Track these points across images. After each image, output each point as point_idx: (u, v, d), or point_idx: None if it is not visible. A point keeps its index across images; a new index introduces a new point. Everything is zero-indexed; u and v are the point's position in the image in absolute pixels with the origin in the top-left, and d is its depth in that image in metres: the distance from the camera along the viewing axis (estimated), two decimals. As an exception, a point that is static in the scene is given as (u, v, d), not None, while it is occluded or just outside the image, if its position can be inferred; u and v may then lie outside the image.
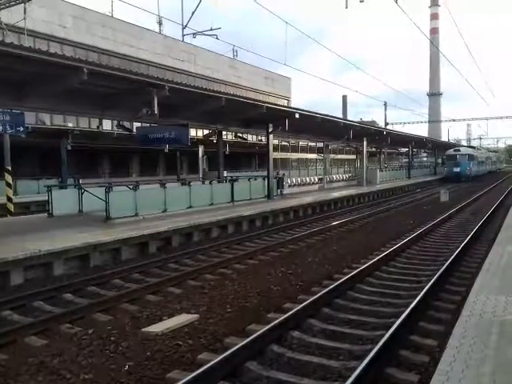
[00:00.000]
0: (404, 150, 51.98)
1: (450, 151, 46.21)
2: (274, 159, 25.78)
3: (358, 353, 5.23)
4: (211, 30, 28.69)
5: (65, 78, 11.55)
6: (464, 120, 69.83)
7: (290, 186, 24.75)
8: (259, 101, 18.67)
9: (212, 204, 16.97)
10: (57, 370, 4.98)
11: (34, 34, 26.04)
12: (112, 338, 5.83)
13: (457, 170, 42.57)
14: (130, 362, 5.17)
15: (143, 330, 6.11)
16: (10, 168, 15.96)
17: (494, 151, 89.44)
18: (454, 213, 17.91)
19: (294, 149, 44.98)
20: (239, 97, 17.15)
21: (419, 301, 6.49)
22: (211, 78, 40.98)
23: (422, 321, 6.18)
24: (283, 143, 42.36)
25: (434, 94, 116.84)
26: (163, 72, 33.10)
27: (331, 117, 23.39)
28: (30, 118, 20.90)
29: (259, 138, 38.51)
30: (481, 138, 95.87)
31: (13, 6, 18.22)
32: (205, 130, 26.06)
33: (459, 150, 45.77)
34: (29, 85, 12.01)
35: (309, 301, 6.70)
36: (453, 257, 9.38)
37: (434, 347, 5.32)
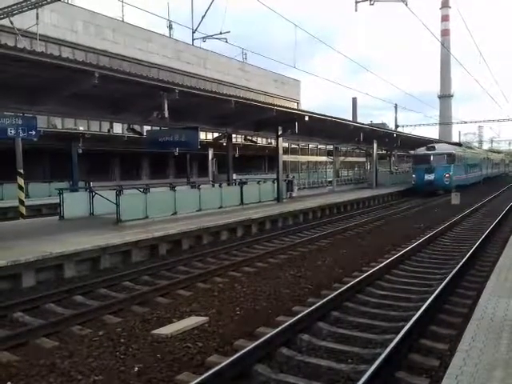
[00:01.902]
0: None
1: (420, 150, 30.89)
2: (284, 162, 25.78)
3: (368, 356, 5.21)
4: (221, 33, 28.80)
5: (76, 82, 11.68)
6: (475, 122, 69.28)
7: (299, 188, 24.73)
8: (269, 104, 18.70)
9: (221, 207, 17.02)
10: (68, 372, 5.01)
11: (45, 39, 26.36)
12: (122, 340, 5.87)
13: (429, 177, 28.48)
14: (140, 363, 5.20)
15: (153, 332, 6.14)
16: (22, 171, 16.12)
17: (497, 151, 78.32)
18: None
19: (304, 151, 44.86)
20: (249, 100, 17.18)
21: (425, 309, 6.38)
22: (221, 82, 41.08)
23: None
24: (293, 146, 42.32)
25: (445, 96, 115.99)
26: (173, 75, 33.25)
27: (341, 119, 23.34)
28: (41, 122, 21.12)
29: (269, 140, 38.50)
30: (492, 141, 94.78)
31: (25, 11, 18.41)
32: (214, 133, 26.12)
33: (433, 148, 30.09)
34: (41, 89, 12.15)
35: (318, 304, 6.69)
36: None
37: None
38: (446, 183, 28.73)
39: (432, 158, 29.30)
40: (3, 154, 20.22)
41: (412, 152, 33.59)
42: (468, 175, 34.39)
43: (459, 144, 42.43)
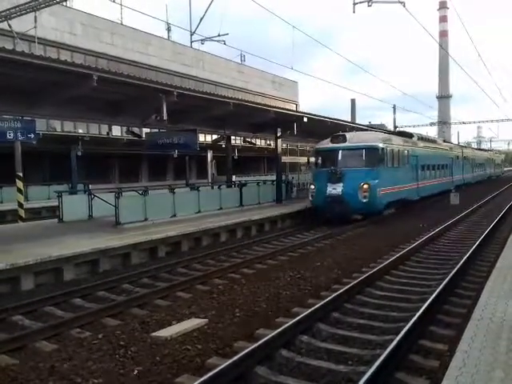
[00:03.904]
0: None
1: (324, 143, 18.31)
2: (283, 163, 25.77)
3: (367, 357, 5.21)
4: (219, 35, 28.85)
5: (75, 85, 11.69)
6: (474, 122, 69.21)
7: (299, 189, 24.71)
8: (267, 105, 18.72)
9: (221, 208, 17.02)
10: (67, 375, 5.00)
11: (44, 42, 26.37)
12: (121, 343, 5.86)
13: (334, 190, 16.40)
14: (140, 366, 5.19)
15: (152, 334, 6.13)
16: (21, 174, 16.12)
17: (483, 149, 67.34)
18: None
19: (303, 152, 44.96)
20: (247, 101, 17.20)
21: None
22: (219, 83, 41.12)
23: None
24: (292, 147, 42.36)
25: (444, 97, 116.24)
26: (172, 78, 33.31)
27: (339, 120, 23.33)
28: (40, 125, 21.11)
29: (268, 142, 38.54)
30: (491, 141, 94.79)
31: (23, 14, 18.43)
32: (213, 135, 26.15)
33: (343, 139, 17.28)
34: (40, 92, 12.16)
35: (318, 305, 6.69)
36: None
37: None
38: (364, 201, 15.90)
39: (340, 155, 16.71)
40: (2, 157, 20.22)
41: (316, 146, 19.27)
42: (414, 185, 20.75)
43: (400, 133, 24.89)
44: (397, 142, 19.25)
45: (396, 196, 18.31)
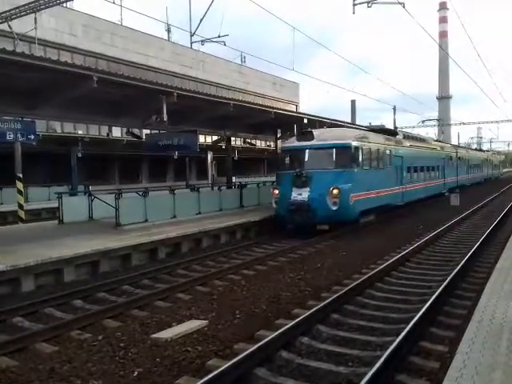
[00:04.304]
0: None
1: (289, 142, 16.33)
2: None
3: (368, 359, 5.21)
4: (219, 36, 28.84)
5: (75, 87, 11.69)
6: (474, 123, 69.17)
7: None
8: (267, 106, 18.72)
9: (221, 210, 17.01)
10: (67, 377, 5.00)
11: (44, 43, 26.41)
12: (121, 345, 5.85)
13: (299, 195, 14.00)
14: (140, 368, 5.18)
15: (152, 336, 6.12)
16: (21, 175, 16.11)
17: (480, 150, 63.46)
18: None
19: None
20: (247, 103, 17.21)
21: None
22: (219, 85, 41.15)
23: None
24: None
25: (444, 98, 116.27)
26: (172, 79, 33.33)
27: (339, 121, 23.36)
28: (41, 126, 21.14)
29: (268, 143, 38.55)
30: (491, 142, 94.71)
31: (24, 15, 18.44)
32: (213, 136, 26.15)
33: (311, 136, 14.87)
34: (40, 93, 12.17)
35: (318, 307, 6.69)
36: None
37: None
38: (333, 209, 13.75)
39: (306, 156, 14.64)
40: (2, 159, 20.22)
41: (282, 144, 18.07)
42: (398, 189, 18.56)
43: (382, 130, 20.82)
44: (376, 140, 16.82)
45: (374, 202, 16.03)
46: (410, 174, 20.51)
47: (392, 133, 20.97)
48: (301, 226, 14.25)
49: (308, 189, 13.87)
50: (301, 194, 13.87)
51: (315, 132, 14.98)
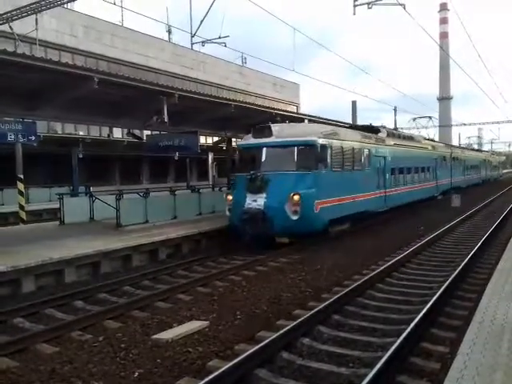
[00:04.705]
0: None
1: (245, 139, 13.87)
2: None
3: (369, 360, 5.20)
4: (220, 37, 28.88)
5: (76, 88, 11.71)
6: (475, 124, 69.09)
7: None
8: (268, 107, 18.74)
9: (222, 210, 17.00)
10: (68, 378, 5.01)
11: (45, 44, 26.45)
12: (122, 345, 5.85)
13: (254, 202, 11.95)
14: (140, 369, 5.18)
15: (153, 336, 6.13)
16: (22, 176, 16.12)
17: (477, 150, 60.43)
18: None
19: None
20: (248, 103, 17.24)
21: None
22: (220, 85, 41.18)
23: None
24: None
25: (444, 98, 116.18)
26: (172, 80, 33.35)
27: (338, 122, 23.34)
28: (41, 127, 21.17)
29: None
30: (492, 142, 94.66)
31: (25, 16, 18.48)
32: (214, 137, 26.18)
33: (269, 132, 12.70)
34: (41, 94, 12.18)
35: (319, 307, 6.69)
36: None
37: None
38: (293, 219, 11.73)
39: (264, 155, 12.61)
40: (3, 159, 20.23)
41: (239, 143, 15.39)
42: (380, 193, 16.60)
43: (361, 127, 19.43)
44: (350, 138, 14.75)
45: (349, 209, 13.90)
46: (395, 176, 18.40)
47: (373, 130, 18.62)
48: (256, 238, 11.98)
49: (264, 195, 11.84)
50: (256, 201, 11.87)
51: (274, 127, 12.75)
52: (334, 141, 13.35)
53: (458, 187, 30.77)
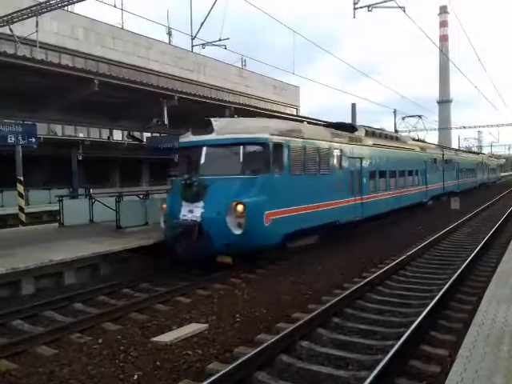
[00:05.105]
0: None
1: (185, 137, 11.47)
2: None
3: (368, 363, 5.19)
4: (220, 40, 28.98)
5: (76, 90, 11.74)
6: (474, 127, 69.11)
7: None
8: (268, 110, 18.79)
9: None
10: (67, 380, 5.00)
11: (45, 47, 26.47)
12: (121, 348, 5.84)
13: (191, 214, 9.88)
14: (140, 371, 5.17)
15: (152, 339, 6.12)
16: (21, 178, 16.13)
17: (474, 152, 56.57)
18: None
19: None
20: (248, 106, 17.26)
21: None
22: (220, 88, 41.23)
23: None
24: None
25: (444, 101, 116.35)
26: (172, 82, 33.39)
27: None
28: (41, 129, 21.19)
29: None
30: (492, 145, 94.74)
31: (25, 19, 18.51)
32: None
33: (210, 129, 10.45)
34: (41, 96, 12.20)
35: (318, 310, 6.68)
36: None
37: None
38: (237, 234, 9.53)
39: (203, 156, 10.66)
40: (3, 161, 20.24)
41: (180, 140, 12.40)
42: (355, 200, 14.40)
43: (334, 124, 16.63)
44: (316, 136, 12.61)
45: (311, 220, 11.69)
46: (375, 181, 16.17)
47: (349, 128, 16.32)
48: (191, 256, 9.86)
49: (202, 204, 9.84)
50: (192, 212, 9.86)
51: (216, 122, 10.53)
52: (294, 139, 11.27)
53: (452, 192, 28.77)
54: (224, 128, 10.52)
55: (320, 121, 20.74)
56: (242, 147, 10.31)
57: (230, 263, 9.87)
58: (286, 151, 10.80)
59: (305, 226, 11.41)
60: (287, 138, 10.98)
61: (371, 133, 17.57)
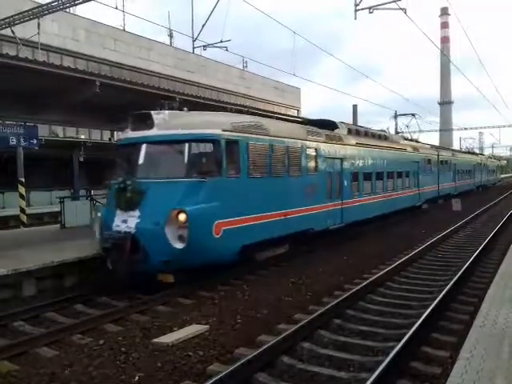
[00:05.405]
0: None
1: (124, 133, 9.66)
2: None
3: (369, 364, 5.19)
4: (221, 42, 29.03)
5: (78, 91, 11.72)
6: (476, 128, 69.09)
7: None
8: (269, 111, 18.73)
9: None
10: (68, 381, 5.00)
11: (47, 48, 26.53)
12: (123, 349, 5.85)
13: (125, 225, 8.25)
14: (141, 372, 5.18)
15: (154, 340, 6.12)
16: (23, 180, 16.16)
17: (472, 153, 53.00)
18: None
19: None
20: (249, 107, 17.23)
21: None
22: (221, 89, 41.26)
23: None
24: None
25: (445, 103, 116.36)
26: (174, 84, 33.45)
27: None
28: (43, 130, 21.23)
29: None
30: (493, 147, 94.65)
31: (27, 21, 18.54)
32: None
33: (150, 123, 8.80)
34: (42, 98, 12.21)
35: (319, 312, 6.68)
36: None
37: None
38: (178, 248, 8.01)
39: (142, 155, 8.96)
40: (4, 163, 20.28)
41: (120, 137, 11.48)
42: (334, 205, 13.11)
43: (310, 122, 15.23)
44: (283, 133, 11.05)
45: (278, 229, 10.40)
46: (358, 184, 14.83)
47: (328, 125, 14.68)
48: (126, 274, 8.26)
49: (138, 212, 8.33)
50: (126, 222, 8.34)
51: (158, 115, 8.98)
52: (254, 136, 9.74)
53: (448, 194, 27.56)
54: (167, 122, 8.88)
55: (301, 118, 20.50)
56: (187, 145, 8.74)
57: (172, 281, 8.42)
58: (243, 150, 9.31)
59: (270, 235, 10.11)
60: (245, 135, 9.46)
61: (355, 131, 16.22)
